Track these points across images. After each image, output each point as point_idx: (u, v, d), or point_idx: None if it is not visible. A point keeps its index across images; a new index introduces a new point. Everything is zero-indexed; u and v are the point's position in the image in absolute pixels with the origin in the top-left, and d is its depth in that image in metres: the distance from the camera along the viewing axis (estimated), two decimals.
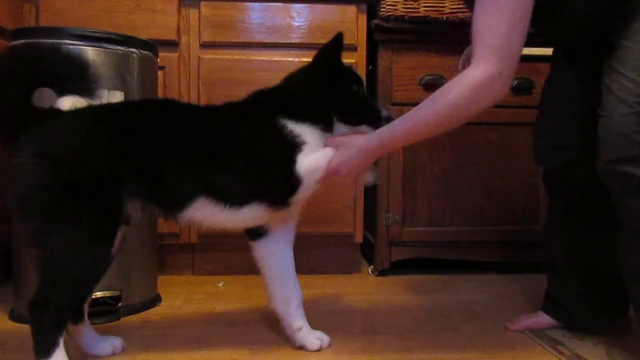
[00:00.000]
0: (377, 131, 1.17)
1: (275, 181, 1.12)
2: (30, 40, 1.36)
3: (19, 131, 1.01)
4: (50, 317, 1.01)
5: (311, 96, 1.19)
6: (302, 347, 1.23)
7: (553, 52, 1.40)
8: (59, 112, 1.05)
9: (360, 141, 1.15)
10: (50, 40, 1.35)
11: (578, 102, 1.28)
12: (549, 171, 1.38)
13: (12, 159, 1.01)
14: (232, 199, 1.10)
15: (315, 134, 1.16)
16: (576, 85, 1.30)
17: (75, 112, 1.07)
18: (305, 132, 1.14)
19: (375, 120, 1.22)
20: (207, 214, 1.11)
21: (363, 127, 1.23)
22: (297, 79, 1.25)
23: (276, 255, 1.26)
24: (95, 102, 1.10)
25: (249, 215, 1.13)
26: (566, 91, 1.32)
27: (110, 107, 1.18)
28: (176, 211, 1.11)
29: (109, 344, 1.20)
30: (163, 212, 1.12)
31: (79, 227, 1.00)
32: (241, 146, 1.11)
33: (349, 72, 1.25)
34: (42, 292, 1.00)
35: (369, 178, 1.31)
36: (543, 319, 1.38)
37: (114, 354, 1.20)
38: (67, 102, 1.06)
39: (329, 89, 1.21)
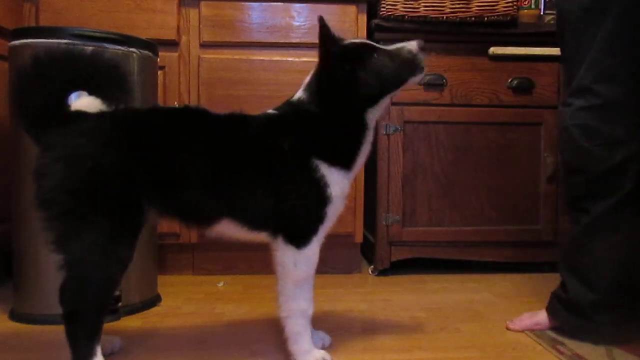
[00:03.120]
0: None
1: (295, 226, 1.12)
2: (29, 41, 1.36)
3: (49, 130, 1.01)
4: (84, 327, 1.01)
5: (339, 128, 1.14)
6: None
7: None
8: (85, 114, 1.04)
9: None
10: (50, 40, 1.35)
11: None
12: (599, 173, 1.23)
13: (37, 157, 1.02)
14: (255, 226, 1.12)
15: (343, 181, 1.14)
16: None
17: (100, 116, 1.05)
18: (333, 180, 1.12)
19: (416, 71, 1.15)
20: (230, 231, 1.13)
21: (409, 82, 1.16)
22: (322, 102, 1.15)
23: None
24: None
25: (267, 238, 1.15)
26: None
27: (134, 113, 1.15)
28: (198, 227, 1.15)
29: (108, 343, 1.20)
30: (184, 225, 1.14)
31: (100, 230, 1.00)
32: (271, 179, 1.09)
33: (353, 62, 1.12)
34: (72, 303, 1.01)
35: None
36: (544, 320, 1.36)
37: (112, 353, 1.20)
38: (83, 102, 1.06)
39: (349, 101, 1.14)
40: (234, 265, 1.92)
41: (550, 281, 1.43)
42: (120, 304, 1.43)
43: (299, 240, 1.12)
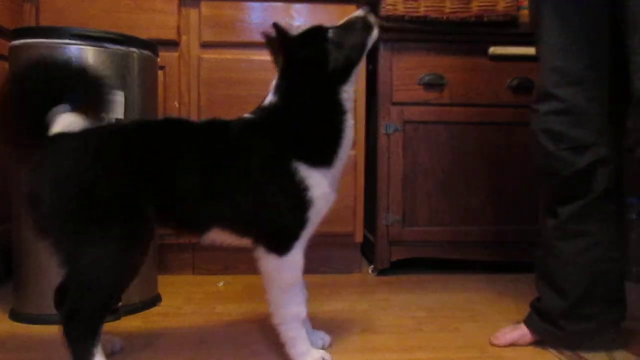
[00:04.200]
0: None
1: (275, 233, 1.10)
2: (29, 41, 1.36)
3: (35, 150, 1.00)
4: (84, 328, 1.01)
5: (317, 127, 1.12)
6: None
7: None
8: (71, 133, 1.03)
9: None
10: (50, 40, 1.35)
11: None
12: (566, 176, 1.22)
13: (25, 178, 1.00)
14: (243, 233, 1.13)
15: (324, 181, 1.11)
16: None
17: (85, 134, 1.04)
18: (314, 182, 1.09)
19: (370, 30, 1.15)
20: (222, 238, 1.14)
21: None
22: (298, 102, 1.14)
23: None
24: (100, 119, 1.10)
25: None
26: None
27: (119, 129, 1.15)
28: (192, 236, 1.17)
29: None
30: (180, 234, 1.14)
31: (105, 244, 0.99)
32: (251, 185, 1.08)
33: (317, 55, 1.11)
34: (73, 304, 1.00)
35: None
36: (527, 332, 1.30)
37: (113, 353, 1.20)
38: (66, 120, 1.03)
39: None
40: (234, 265, 1.92)
41: None
42: (120, 303, 1.43)
43: (281, 247, 1.10)
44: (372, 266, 1.97)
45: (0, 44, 1.63)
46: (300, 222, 1.09)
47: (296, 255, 1.11)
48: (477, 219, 1.95)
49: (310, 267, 1.92)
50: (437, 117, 1.92)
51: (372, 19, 1.16)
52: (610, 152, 1.21)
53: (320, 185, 1.10)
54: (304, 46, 1.11)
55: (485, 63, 1.91)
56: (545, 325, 1.27)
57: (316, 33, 1.13)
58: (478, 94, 1.92)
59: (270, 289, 1.13)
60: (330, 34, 1.12)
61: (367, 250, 2.06)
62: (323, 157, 1.11)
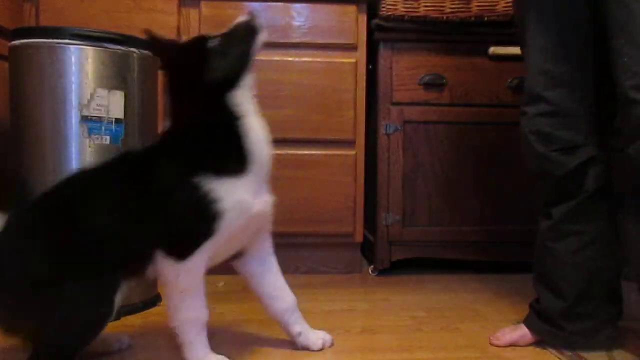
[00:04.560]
0: None
1: (177, 242, 1.08)
2: (29, 41, 1.37)
3: None
4: None
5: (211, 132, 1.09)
6: (306, 349, 1.23)
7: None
8: None
9: None
10: (50, 40, 1.36)
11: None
12: (558, 177, 1.23)
13: None
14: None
15: (238, 190, 1.07)
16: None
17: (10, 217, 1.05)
18: (224, 191, 1.05)
19: (256, 32, 1.15)
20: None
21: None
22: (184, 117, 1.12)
23: (258, 272, 1.25)
24: None
25: None
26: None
27: (36, 202, 1.12)
28: (140, 276, 1.12)
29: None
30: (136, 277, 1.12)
31: (70, 308, 1.00)
32: (161, 208, 1.06)
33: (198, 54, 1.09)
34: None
35: None
36: (527, 332, 1.30)
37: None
38: None
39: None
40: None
41: None
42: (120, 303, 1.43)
43: (180, 253, 1.06)
44: (372, 266, 1.97)
45: (0, 44, 1.63)
46: (205, 233, 1.05)
47: (197, 262, 1.08)
48: (477, 219, 1.95)
49: (310, 267, 1.95)
50: (437, 117, 1.92)
51: (256, 23, 1.14)
52: (600, 152, 1.22)
53: (232, 195, 1.06)
54: (180, 57, 1.10)
55: (485, 63, 1.91)
56: (545, 325, 1.27)
57: (195, 43, 1.12)
58: (478, 94, 1.92)
59: (169, 292, 1.10)
60: (211, 43, 1.10)
61: (367, 250, 2.06)
62: (227, 166, 1.07)
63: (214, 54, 1.09)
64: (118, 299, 1.04)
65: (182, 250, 1.06)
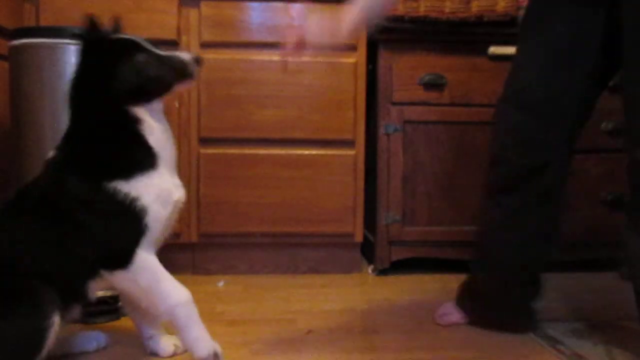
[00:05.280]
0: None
1: (113, 254, 1.07)
2: (29, 41, 1.37)
3: None
4: None
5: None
6: (155, 354, 1.21)
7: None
8: None
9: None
10: (50, 40, 1.36)
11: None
12: (518, 169, 1.29)
13: None
14: None
15: (154, 184, 1.07)
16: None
17: None
18: (141, 189, 1.06)
19: (185, 77, 1.12)
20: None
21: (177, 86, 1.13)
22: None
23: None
24: None
25: None
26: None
27: None
28: (81, 302, 1.10)
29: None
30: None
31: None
32: (80, 223, 1.05)
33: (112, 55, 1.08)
34: None
35: None
36: (456, 313, 1.43)
37: (98, 349, 1.22)
38: None
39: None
40: (234, 265, 1.92)
41: (550, 281, 1.43)
42: (120, 303, 1.43)
43: (122, 261, 1.05)
44: (372, 266, 1.97)
45: (0, 44, 1.63)
46: (138, 233, 1.05)
47: (143, 259, 1.06)
48: (477, 219, 1.94)
49: (310, 267, 1.95)
50: (437, 117, 1.92)
51: (194, 70, 1.12)
52: (563, 156, 1.28)
53: (149, 190, 1.07)
54: (102, 55, 1.08)
55: (485, 63, 1.91)
56: (475, 305, 1.39)
57: (125, 45, 1.09)
58: (478, 94, 1.92)
59: (137, 295, 1.09)
60: (139, 55, 1.08)
61: (367, 250, 2.06)
62: (137, 165, 1.07)
63: (132, 67, 1.07)
64: (53, 330, 0.99)
65: (122, 258, 1.05)
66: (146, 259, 1.08)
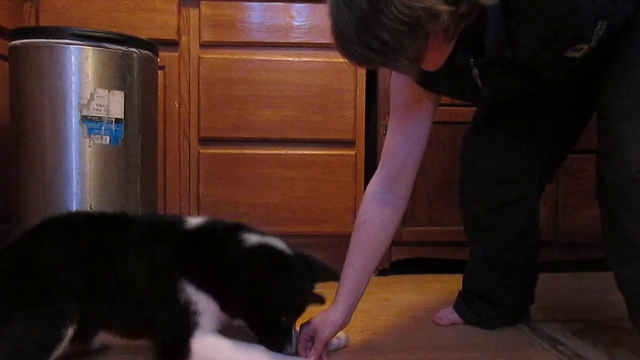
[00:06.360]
0: (339, 299, 1.26)
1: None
2: (29, 41, 1.37)
3: None
4: None
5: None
6: None
7: None
8: None
9: (335, 318, 1.19)
10: (50, 40, 1.36)
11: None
12: (494, 207, 1.32)
13: None
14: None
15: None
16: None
17: None
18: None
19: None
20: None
21: None
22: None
23: None
24: None
25: None
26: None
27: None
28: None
29: None
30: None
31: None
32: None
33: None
34: None
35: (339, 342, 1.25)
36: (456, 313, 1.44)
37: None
38: None
39: None
40: None
41: (550, 281, 1.43)
42: None
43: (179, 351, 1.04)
44: None
45: (0, 44, 1.63)
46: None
47: (201, 344, 1.04)
48: None
49: None
50: (437, 117, 1.91)
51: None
52: (534, 192, 1.32)
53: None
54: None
55: None
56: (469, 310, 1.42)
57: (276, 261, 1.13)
58: None
59: None
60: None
61: None
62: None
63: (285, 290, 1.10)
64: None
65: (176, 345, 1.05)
66: (206, 345, 1.05)
